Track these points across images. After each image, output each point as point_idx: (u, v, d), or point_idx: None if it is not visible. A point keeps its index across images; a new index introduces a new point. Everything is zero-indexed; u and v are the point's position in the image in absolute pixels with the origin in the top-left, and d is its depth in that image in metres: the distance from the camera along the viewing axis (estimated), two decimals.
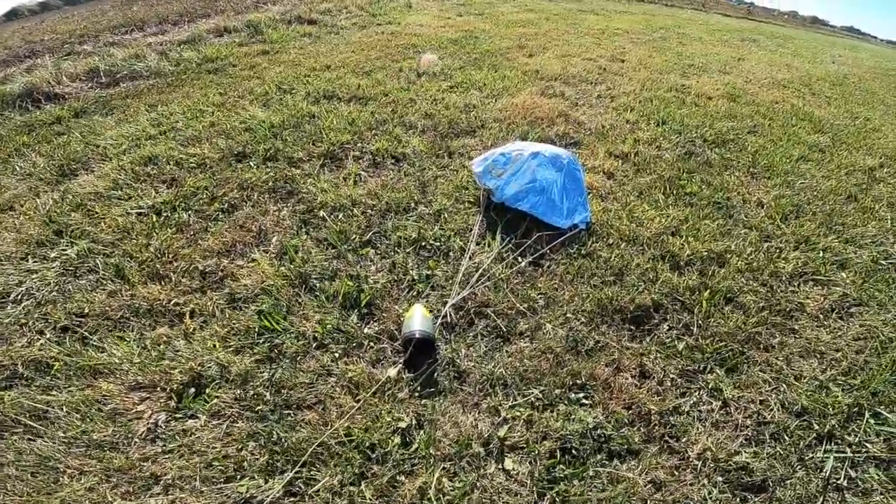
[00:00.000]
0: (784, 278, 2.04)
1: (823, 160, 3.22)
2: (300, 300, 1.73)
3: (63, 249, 2.03)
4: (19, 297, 1.80)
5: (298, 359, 1.55)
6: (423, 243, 1.96)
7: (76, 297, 1.79)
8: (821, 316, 1.88)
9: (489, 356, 1.60)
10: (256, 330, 1.63)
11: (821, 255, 2.20)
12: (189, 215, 2.18)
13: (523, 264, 1.89)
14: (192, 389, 1.46)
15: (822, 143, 3.51)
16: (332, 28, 4.97)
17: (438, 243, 1.96)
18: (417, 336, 1.52)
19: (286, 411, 1.40)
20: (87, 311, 1.73)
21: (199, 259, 1.92)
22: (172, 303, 1.75)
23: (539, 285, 1.83)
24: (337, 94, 3.23)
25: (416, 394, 1.46)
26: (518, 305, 1.75)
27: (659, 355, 1.64)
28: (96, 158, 2.70)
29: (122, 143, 2.83)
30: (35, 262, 1.98)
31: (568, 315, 1.74)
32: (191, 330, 1.65)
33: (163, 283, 1.85)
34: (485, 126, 2.96)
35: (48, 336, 1.64)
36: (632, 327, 1.74)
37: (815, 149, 3.39)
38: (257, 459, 1.29)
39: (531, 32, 5.39)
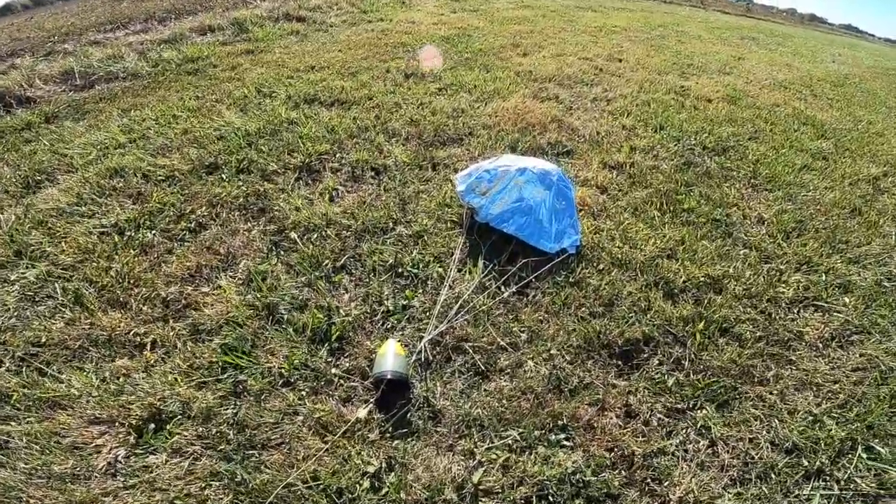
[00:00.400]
0: (783, 305, 1.92)
1: (826, 169, 3.09)
2: (266, 333, 1.60)
3: (22, 272, 1.89)
4: None
5: (264, 396, 1.45)
6: (401, 270, 1.83)
7: (34, 324, 1.67)
8: (820, 345, 1.77)
9: (466, 395, 1.49)
10: (220, 365, 1.52)
11: (823, 277, 2.08)
12: (154, 235, 2.04)
13: (506, 294, 1.76)
14: (153, 425, 1.37)
15: (826, 150, 3.37)
16: (320, 25, 4.79)
17: (417, 270, 1.83)
18: (389, 377, 1.41)
19: (250, 451, 1.32)
20: (44, 339, 1.62)
21: (162, 285, 1.79)
22: (132, 333, 1.63)
23: (522, 318, 1.71)
24: (319, 98, 3.08)
25: (388, 435, 1.37)
26: (499, 340, 1.62)
27: (647, 393, 1.54)
28: (62, 169, 2.55)
29: (91, 152, 2.68)
30: None
31: (552, 351, 1.62)
32: (151, 362, 1.53)
33: (123, 310, 1.72)
34: (473, 133, 2.81)
35: (7, 365, 1.55)
36: (619, 363, 1.62)
37: (819, 156, 3.25)
38: (221, 500, 1.22)
39: (526, 30, 5.21)
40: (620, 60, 4.61)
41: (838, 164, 3.16)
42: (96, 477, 1.26)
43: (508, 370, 1.56)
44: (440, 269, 1.83)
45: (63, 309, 1.73)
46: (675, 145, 3.08)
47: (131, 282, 1.83)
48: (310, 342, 1.58)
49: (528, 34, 5.03)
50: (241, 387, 1.46)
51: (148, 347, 1.58)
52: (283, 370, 1.50)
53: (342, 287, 1.77)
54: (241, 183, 2.28)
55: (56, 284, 1.82)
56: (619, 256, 2.03)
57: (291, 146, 2.54)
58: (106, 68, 3.81)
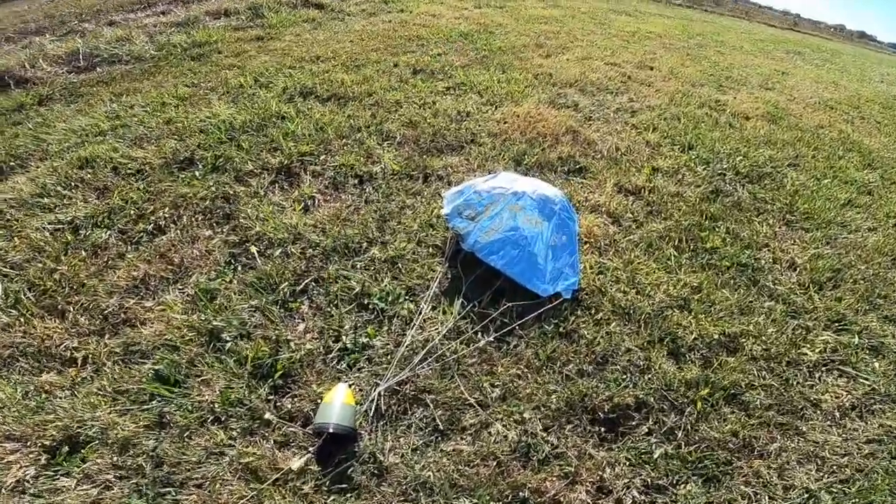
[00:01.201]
0: (805, 369, 1.65)
1: (871, 206, 2.73)
2: (205, 360, 1.41)
3: None
4: None
5: (189, 432, 1.28)
6: (367, 301, 1.60)
7: None
8: (837, 414, 1.54)
9: (420, 453, 1.28)
10: (148, 392, 1.35)
11: (855, 339, 1.78)
12: (109, 235, 1.86)
13: (483, 343, 1.51)
14: (67, 448, 1.24)
15: (871, 183, 3.00)
16: (337, 14, 4.56)
17: (384, 304, 1.59)
18: (331, 430, 1.23)
19: (165, 488, 1.18)
20: None
21: (104, 295, 1.61)
22: (64, 346, 1.48)
23: (498, 371, 1.46)
24: (316, 92, 2.86)
25: (324, 489, 1.19)
26: (466, 396, 1.38)
27: (626, 466, 1.32)
28: (37, 156, 2.40)
29: (70, 138, 2.52)
30: None
31: (525, 414, 1.38)
32: (78, 380, 1.39)
33: (60, 319, 1.56)
34: (475, 141, 2.55)
35: None
36: (602, 430, 1.39)
37: (864, 190, 2.89)
38: None
39: (553, 30, 4.88)
40: (652, 68, 4.25)
41: (884, 200, 2.80)
42: (2, 494, 1.17)
43: (472, 431, 1.34)
44: (411, 306, 1.59)
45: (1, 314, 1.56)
46: (705, 169, 2.76)
47: (74, 288, 1.65)
48: (251, 377, 1.38)
49: (553, 35, 4.71)
50: (166, 418, 1.30)
51: (78, 363, 1.42)
52: (215, 405, 1.33)
53: (298, 316, 1.56)
54: (211, 183, 2.08)
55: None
56: (623, 304, 1.75)
57: (274, 144, 2.33)
58: (111, 50, 3.66)
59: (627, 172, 2.57)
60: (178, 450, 1.23)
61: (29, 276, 1.69)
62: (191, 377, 1.38)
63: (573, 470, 1.28)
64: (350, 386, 1.36)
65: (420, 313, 1.55)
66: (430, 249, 1.81)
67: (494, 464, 1.28)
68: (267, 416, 1.28)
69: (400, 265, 1.72)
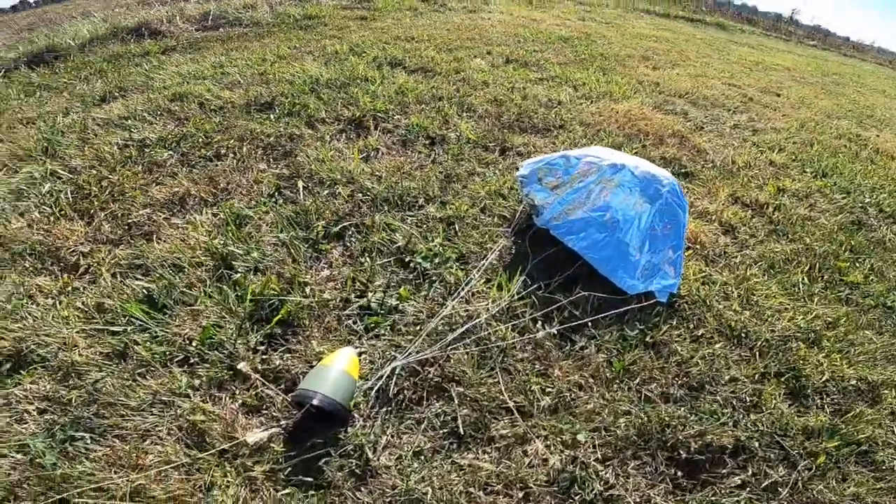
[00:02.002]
0: None
1: None
2: (205, 288, 1.14)
3: (31, 169, 1.68)
4: None
5: (146, 370, 0.99)
6: (409, 258, 1.26)
7: (1, 219, 1.41)
8: None
9: (423, 461, 0.90)
10: (126, 314, 1.08)
11: None
12: (170, 155, 1.72)
13: (541, 334, 1.10)
14: (8, 366, 1.00)
15: None
16: (440, 7, 4.43)
17: (429, 264, 1.25)
18: (315, 403, 0.87)
19: (81, 433, 0.89)
20: None
21: (139, 207, 1.44)
22: (74, 250, 1.28)
23: (554, 373, 1.05)
24: (404, 63, 2.64)
25: (281, 478, 0.84)
26: (506, 397, 0.98)
27: None
28: (140, 90, 2.40)
29: (174, 79, 2.51)
30: (4, 175, 1.66)
31: (580, 437, 0.95)
32: (67, 290, 1.17)
33: (86, 224, 1.40)
34: (565, 127, 2.15)
35: None
36: (679, 473, 0.94)
37: None
38: (7, 475, 0.82)
39: (662, 48, 4.35)
40: (778, 95, 3.57)
41: None
42: None
43: (501, 444, 0.93)
44: (460, 274, 1.23)
45: (36, 208, 1.45)
46: (844, 198, 2.13)
47: (114, 196, 1.51)
48: (246, 317, 1.08)
49: (663, 52, 4.18)
50: (130, 350, 1.01)
51: (78, 271, 1.22)
52: (191, 343, 1.04)
53: (326, 261, 1.26)
54: (281, 125, 1.90)
55: (49, 184, 1.56)
56: (734, 326, 1.27)
57: (352, 100, 2.11)
58: (236, 14, 3.80)
59: (746, 186, 2.03)
60: (121, 389, 0.95)
61: (79, 181, 1.58)
62: (180, 304, 1.12)
63: None
64: (360, 354, 1.01)
65: (468, 284, 1.17)
66: (495, 219, 1.44)
67: (521, 494, 0.87)
68: (241, 366, 0.97)
69: (457, 227, 1.37)
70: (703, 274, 1.44)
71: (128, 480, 0.81)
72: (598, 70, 3.15)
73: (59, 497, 0.79)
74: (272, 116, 1.99)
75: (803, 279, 1.53)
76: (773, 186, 2.08)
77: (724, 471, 0.96)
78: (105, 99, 2.33)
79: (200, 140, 1.81)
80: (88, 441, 0.87)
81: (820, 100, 3.77)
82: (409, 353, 1.01)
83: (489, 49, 3.16)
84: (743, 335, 1.25)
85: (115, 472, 0.82)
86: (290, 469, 0.84)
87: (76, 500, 0.78)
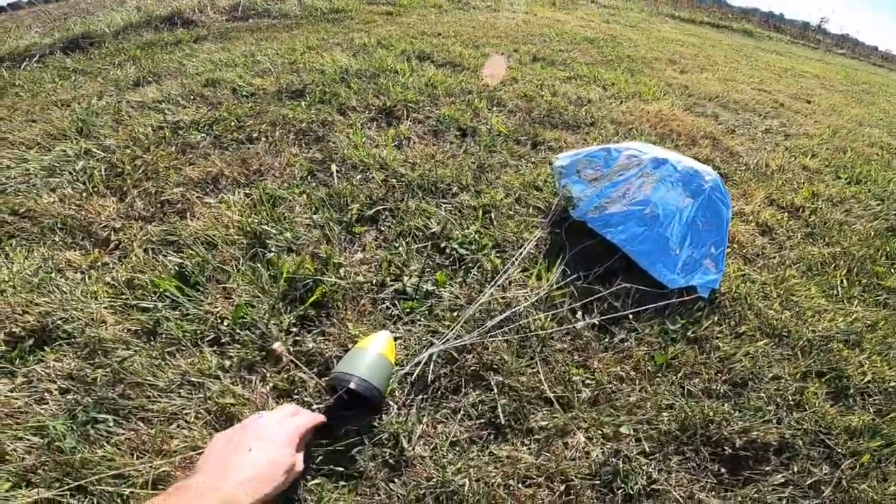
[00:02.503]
0: None
1: None
2: (238, 266, 1.12)
3: (66, 147, 1.69)
4: None
5: (176, 349, 0.96)
6: (444, 244, 1.23)
7: (30, 194, 1.41)
8: None
9: (460, 451, 0.86)
10: (158, 290, 1.06)
11: None
12: (203, 137, 1.72)
13: (582, 324, 1.07)
14: (32, 341, 0.95)
15: None
16: (463, 5, 4.41)
17: (465, 250, 1.21)
18: (352, 386, 0.82)
19: (104, 416, 0.84)
20: (23, 210, 1.33)
21: (172, 185, 1.43)
22: (107, 226, 1.27)
23: (594, 365, 1.01)
24: (432, 57, 2.62)
25: (312, 466, 0.80)
26: (545, 387, 0.94)
27: None
28: (173, 75, 2.42)
29: (206, 66, 2.53)
30: (36, 152, 1.67)
31: (622, 429, 0.91)
32: (98, 264, 1.15)
33: (119, 200, 1.39)
34: (596, 124, 2.11)
35: None
36: (721, 470, 0.90)
37: None
38: (22, 459, 0.78)
39: (689, 52, 4.27)
40: (809, 102, 3.48)
41: None
42: None
43: (541, 436, 0.90)
44: (497, 261, 1.19)
45: (69, 184, 1.45)
46: (879, 205, 2.06)
47: (147, 174, 1.50)
48: (280, 297, 1.06)
49: (690, 56, 4.10)
50: (160, 327, 0.99)
51: (109, 246, 1.21)
52: (223, 322, 1.01)
53: (360, 244, 1.23)
54: (313, 111, 1.89)
55: (83, 161, 1.56)
56: (775, 324, 1.22)
57: (382, 90, 2.09)
58: (265, 6, 3.83)
59: (781, 189, 1.97)
60: (149, 368, 0.91)
61: (113, 159, 1.58)
62: (212, 282, 1.09)
63: None
64: (395, 340, 0.99)
65: (506, 271, 1.14)
66: (530, 210, 1.41)
67: (562, 487, 0.83)
68: (276, 345, 0.94)
69: (492, 215, 1.34)
70: (742, 273, 1.39)
71: (151, 467, 0.77)
72: (626, 71, 3.10)
73: (75, 484, 0.74)
74: (303, 104, 1.98)
75: (842, 282, 1.48)
76: (807, 191, 2.02)
77: (767, 468, 0.92)
78: (139, 84, 2.34)
79: (233, 124, 1.81)
80: (111, 424, 0.83)
81: (851, 108, 3.66)
82: (447, 339, 0.98)
83: (515, 47, 3.13)
84: (784, 334, 1.21)
85: (138, 458, 0.79)
86: (320, 458, 0.81)
87: (94, 487, 0.74)
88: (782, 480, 0.91)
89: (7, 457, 0.78)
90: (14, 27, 4.01)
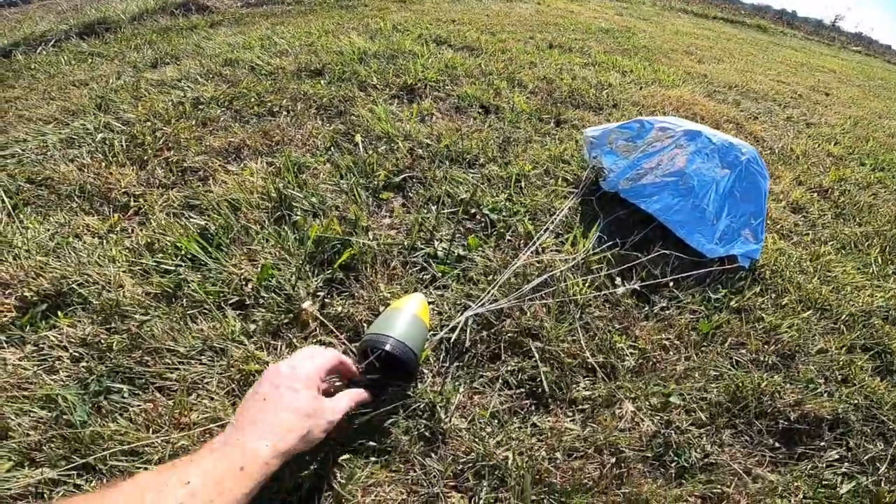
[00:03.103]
0: None
1: None
2: (263, 228, 1.08)
3: (85, 121, 1.66)
4: (5, 153, 1.45)
5: (199, 311, 0.90)
6: (475, 211, 1.19)
7: (48, 164, 1.38)
8: None
9: (500, 423, 0.81)
10: (179, 252, 1.02)
11: None
12: (223, 112, 1.68)
13: (622, 290, 1.02)
14: (45, 306, 0.90)
15: None
16: None
17: (496, 216, 1.17)
18: (387, 348, 0.74)
19: (118, 386, 0.78)
20: (41, 179, 1.30)
21: (193, 154, 1.39)
22: (127, 192, 1.24)
23: (636, 333, 0.96)
24: (448, 42, 2.58)
25: (337, 440, 0.74)
26: (587, 354, 0.90)
27: (802, 497, 0.78)
28: (190, 56, 2.39)
29: (223, 47, 2.50)
30: (54, 126, 1.64)
31: (671, 398, 0.86)
32: (117, 229, 1.11)
33: (139, 169, 1.35)
34: (618, 106, 2.07)
35: None
36: (775, 444, 0.86)
37: None
38: (27, 435, 0.71)
39: (704, 45, 4.21)
40: (827, 94, 3.42)
41: None
42: None
43: (586, 406, 0.84)
44: (530, 226, 1.15)
45: (87, 156, 1.41)
46: None
47: (168, 144, 1.46)
48: (307, 260, 1.01)
49: (706, 48, 4.05)
50: (182, 290, 0.94)
51: (128, 211, 1.17)
52: (247, 285, 0.95)
53: (387, 207, 1.19)
54: (334, 88, 1.85)
55: (102, 134, 1.53)
56: (816, 297, 1.18)
57: (402, 70, 2.06)
58: None
59: (808, 173, 1.91)
60: (168, 333, 0.85)
61: (133, 132, 1.55)
62: (236, 243, 1.05)
63: (727, 491, 0.76)
64: (429, 304, 0.94)
65: (540, 236, 1.10)
66: (559, 182, 1.36)
67: (612, 461, 0.78)
68: (305, 304, 0.89)
69: (522, 185, 1.29)
70: (777, 248, 1.34)
71: (167, 441, 0.70)
72: (643, 60, 3.05)
73: (82, 462, 0.67)
74: (322, 81, 1.95)
75: (876, 260, 1.43)
76: (834, 174, 1.97)
77: (821, 443, 0.87)
78: (157, 64, 2.32)
79: (253, 99, 1.77)
80: (126, 394, 0.77)
81: (869, 101, 3.60)
82: (483, 302, 0.93)
83: (531, 35, 3.08)
84: (826, 307, 1.16)
85: (154, 432, 0.72)
86: (350, 430, 0.75)
87: (103, 465, 0.67)
88: (836, 457, 0.86)
89: (10, 433, 0.71)
90: (26, 19, 3.99)
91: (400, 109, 1.72)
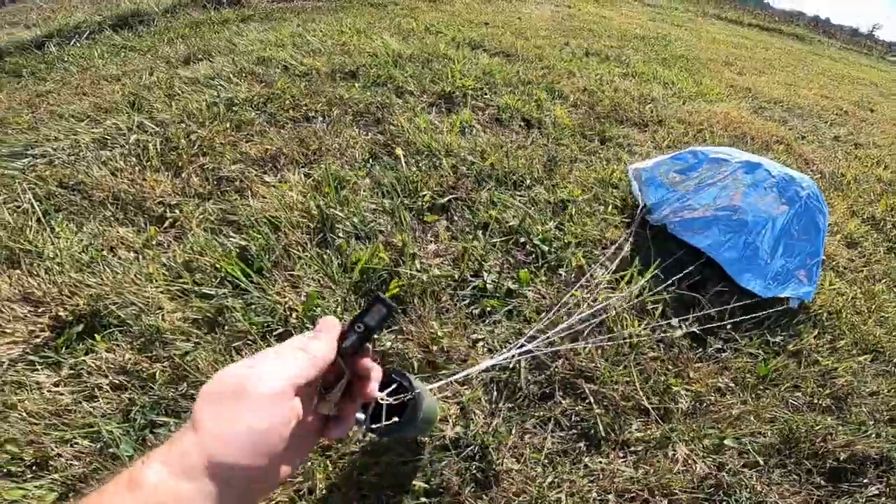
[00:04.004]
0: None
1: None
2: (305, 252, 1.05)
3: (118, 120, 1.64)
4: (36, 153, 1.44)
5: (242, 343, 0.88)
6: (524, 239, 1.14)
7: (80, 166, 1.36)
8: None
9: (553, 464, 0.79)
10: (219, 275, 0.99)
11: None
12: (258, 115, 1.66)
13: (680, 333, 0.97)
14: (80, 327, 0.88)
15: None
16: None
17: (547, 247, 1.12)
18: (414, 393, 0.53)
19: (162, 419, 0.76)
20: (73, 183, 1.28)
21: (229, 162, 1.37)
22: (162, 202, 1.22)
23: (690, 375, 0.92)
24: (483, 46, 2.53)
25: (394, 482, 0.74)
26: (641, 396, 0.85)
27: None
28: (222, 52, 2.37)
29: (255, 44, 2.48)
30: (86, 125, 1.63)
31: (726, 440, 0.82)
32: (153, 243, 1.08)
33: (174, 176, 1.33)
34: (663, 123, 2.00)
35: (21, 201, 1.21)
36: (822, 482, 0.84)
37: None
38: (69, 465, 0.69)
39: (743, 55, 4.09)
40: (872, 111, 3.29)
41: None
42: None
43: (639, 447, 0.82)
44: (583, 260, 1.10)
45: (122, 158, 1.39)
46: None
47: (203, 150, 1.44)
48: (352, 289, 0.98)
49: (745, 58, 3.92)
50: (223, 317, 0.91)
51: (164, 224, 1.14)
52: (292, 315, 0.92)
53: (432, 232, 1.15)
54: (370, 93, 1.81)
55: (136, 135, 1.51)
56: (869, 340, 1.13)
57: (438, 76, 2.01)
58: None
59: (859, 201, 1.83)
60: (213, 364, 0.83)
61: (168, 134, 1.53)
62: (278, 267, 1.02)
63: None
64: (474, 343, 0.90)
65: (594, 272, 1.05)
66: (609, 208, 1.31)
67: (664, 502, 0.75)
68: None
69: (572, 211, 1.24)
70: (833, 287, 1.28)
71: None
72: (683, 70, 2.96)
73: None
74: (357, 85, 1.91)
75: None
76: (884, 203, 1.88)
77: (864, 480, 0.86)
78: (189, 60, 2.30)
79: (287, 102, 1.75)
80: (173, 427, 0.75)
81: None
82: (536, 343, 0.89)
83: (566, 40, 3.01)
84: (879, 350, 1.13)
85: None
86: (402, 472, 0.73)
87: None
88: (876, 492, 0.84)
89: (50, 461, 0.69)
90: (61, 9, 4.01)
91: (439, 119, 1.67)
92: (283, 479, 0.35)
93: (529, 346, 0.88)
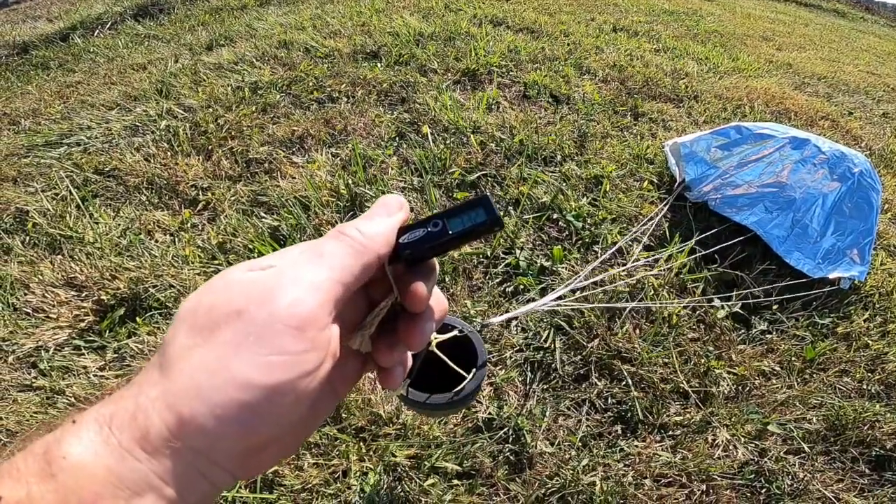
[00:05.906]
0: None
1: None
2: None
3: (147, 107, 1.67)
4: (71, 142, 1.48)
5: None
6: (556, 215, 1.12)
7: (114, 153, 1.40)
8: None
9: (588, 447, 0.77)
10: (252, 255, 1.01)
11: None
12: (283, 97, 1.67)
13: (723, 313, 0.94)
14: (122, 311, 0.91)
15: None
16: None
17: (580, 223, 1.10)
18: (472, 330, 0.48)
19: None
20: (109, 169, 1.32)
21: (257, 144, 1.38)
22: (195, 185, 1.24)
23: (732, 357, 0.89)
24: (506, 23, 2.47)
25: (428, 465, 0.73)
26: (681, 378, 0.83)
27: None
28: (244, 38, 2.39)
29: (275, 28, 2.49)
30: (117, 113, 1.67)
31: (769, 426, 0.80)
32: (187, 226, 1.11)
33: (205, 159, 1.35)
34: (699, 98, 1.92)
35: (59, 188, 1.25)
36: (866, 470, 0.82)
37: None
38: None
39: (782, 30, 3.90)
40: None
41: None
42: (7, 362, 0.84)
43: (677, 431, 0.80)
44: (617, 236, 1.08)
45: (153, 144, 1.42)
46: None
47: (231, 133, 1.46)
48: None
49: (783, 34, 3.74)
50: None
51: (198, 206, 1.16)
52: None
53: None
54: (393, 72, 1.80)
55: (165, 121, 1.54)
56: None
57: (461, 53, 1.98)
58: None
59: None
60: None
61: (196, 119, 1.55)
62: None
63: None
64: (508, 322, 0.89)
65: (630, 249, 1.02)
66: (644, 184, 1.27)
67: (703, 487, 0.73)
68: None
69: (606, 187, 1.21)
70: (885, 267, 1.22)
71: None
72: (718, 46, 2.84)
73: None
74: (380, 65, 1.90)
75: None
76: None
77: None
78: (211, 47, 2.33)
79: (311, 84, 1.75)
80: None
81: None
82: (570, 321, 0.88)
83: (591, 16, 2.92)
84: None
85: None
86: (436, 454, 0.73)
87: None
88: None
89: None
90: (81, 1, 4.09)
91: (465, 97, 1.65)
92: (295, 449, 0.23)
93: (583, 284, 0.87)
